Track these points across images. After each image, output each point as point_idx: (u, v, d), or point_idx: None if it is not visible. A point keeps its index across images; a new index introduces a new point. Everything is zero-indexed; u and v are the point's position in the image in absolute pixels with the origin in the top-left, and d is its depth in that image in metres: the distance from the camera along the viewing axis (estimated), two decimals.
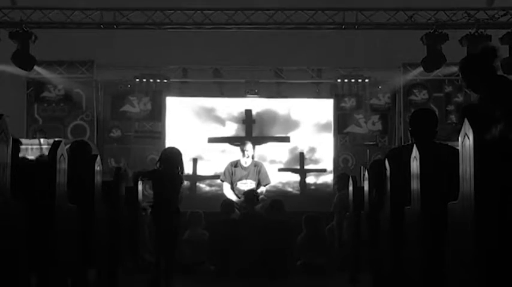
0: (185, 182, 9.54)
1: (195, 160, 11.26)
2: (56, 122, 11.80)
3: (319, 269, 8.00)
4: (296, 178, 11.52)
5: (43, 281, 3.47)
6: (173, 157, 6.55)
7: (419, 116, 4.63)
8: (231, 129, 11.42)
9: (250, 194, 8.37)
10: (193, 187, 11.21)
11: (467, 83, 4.85)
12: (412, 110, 11.62)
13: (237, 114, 11.52)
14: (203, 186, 11.27)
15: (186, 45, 11.09)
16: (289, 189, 11.36)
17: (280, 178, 11.32)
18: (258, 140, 11.29)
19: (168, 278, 6.48)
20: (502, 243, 2.77)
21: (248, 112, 11.56)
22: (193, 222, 8.16)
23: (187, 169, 10.82)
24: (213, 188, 10.96)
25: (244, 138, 10.55)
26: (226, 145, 11.23)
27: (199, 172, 11.35)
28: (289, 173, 11.46)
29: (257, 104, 11.60)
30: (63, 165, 3.70)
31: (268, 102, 11.66)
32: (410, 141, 4.61)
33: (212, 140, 11.38)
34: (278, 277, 7.60)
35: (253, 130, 11.49)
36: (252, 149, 9.09)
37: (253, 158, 9.11)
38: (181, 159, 6.60)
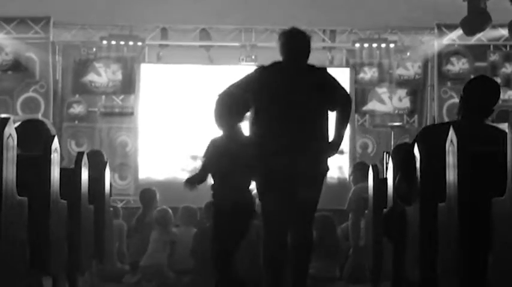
0: None
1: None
2: (2, 94, 11.78)
3: (330, 281, 8.02)
4: None
5: None
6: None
7: (478, 86, 4.52)
8: None
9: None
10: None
11: None
12: (448, 83, 11.82)
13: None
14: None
15: None
16: None
17: None
18: None
19: None
20: None
21: None
22: (185, 219, 8.08)
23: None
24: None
25: None
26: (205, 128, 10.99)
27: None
28: None
29: None
30: (11, 149, 3.69)
31: None
32: (458, 118, 4.50)
33: None
34: None
35: None
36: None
37: None
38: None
